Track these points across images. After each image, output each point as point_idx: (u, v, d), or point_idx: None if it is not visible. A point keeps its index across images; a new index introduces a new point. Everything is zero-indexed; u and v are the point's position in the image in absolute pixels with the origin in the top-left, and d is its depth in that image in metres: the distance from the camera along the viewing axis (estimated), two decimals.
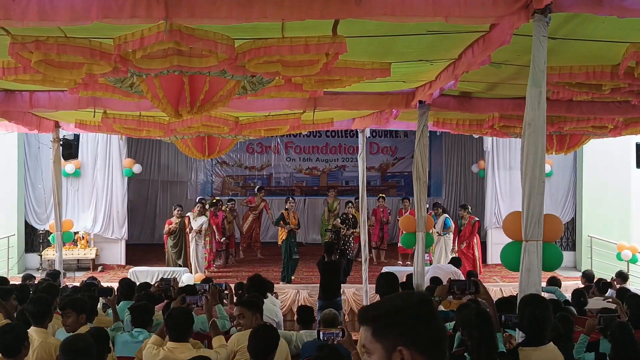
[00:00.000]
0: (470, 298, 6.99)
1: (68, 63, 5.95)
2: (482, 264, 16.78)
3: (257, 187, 19.44)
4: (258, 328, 5.36)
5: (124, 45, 5.33)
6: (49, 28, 5.24)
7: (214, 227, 16.47)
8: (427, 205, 15.30)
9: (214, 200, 17.43)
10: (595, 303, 9.29)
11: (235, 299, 8.96)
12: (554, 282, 10.89)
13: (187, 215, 15.75)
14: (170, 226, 15.59)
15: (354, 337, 5.68)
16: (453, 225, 15.95)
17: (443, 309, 8.55)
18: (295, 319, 8.14)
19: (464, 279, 9.52)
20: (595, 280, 11.16)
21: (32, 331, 5.84)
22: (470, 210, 16.27)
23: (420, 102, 8.95)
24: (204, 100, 6.70)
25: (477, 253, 15.87)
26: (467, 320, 4.87)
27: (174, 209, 15.86)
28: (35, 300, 6.42)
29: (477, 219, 16.13)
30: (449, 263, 12.92)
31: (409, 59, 6.94)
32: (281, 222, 15.41)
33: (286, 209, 15.70)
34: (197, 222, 15.51)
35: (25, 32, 5.37)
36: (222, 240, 16.82)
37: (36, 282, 10.39)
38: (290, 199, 16.33)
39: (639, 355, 6.17)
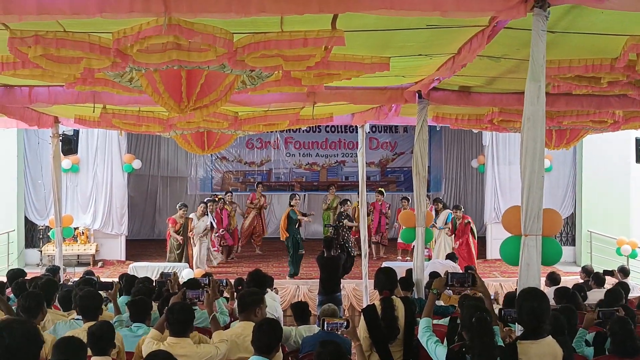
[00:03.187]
0: (467, 292, 7.01)
1: (67, 58, 5.93)
2: (482, 259, 16.79)
3: (257, 182, 19.48)
4: (262, 322, 5.34)
5: (122, 40, 5.32)
6: (48, 22, 5.24)
7: (215, 222, 16.51)
8: (427, 201, 15.42)
9: (216, 199, 17.44)
10: (594, 296, 9.34)
11: (235, 294, 8.96)
12: (553, 277, 10.90)
13: (190, 216, 15.74)
14: (175, 227, 15.58)
15: None
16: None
17: (442, 303, 8.56)
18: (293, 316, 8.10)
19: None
20: (592, 274, 11.16)
21: None
22: (462, 209, 16.31)
23: (419, 96, 8.95)
24: (201, 94, 6.69)
25: (474, 250, 15.82)
26: (469, 325, 4.86)
27: (179, 209, 15.81)
28: (26, 296, 6.48)
29: (468, 220, 16.06)
30: (446, 258, 12.93)
31: (408, 53, 6.93)
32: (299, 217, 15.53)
33: (291, 206, 15.68)
34: (202, 222, 15.54)
35: (24, 26, 5.36)
36: (220, 232, 16.84)
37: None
38: (297, 195, 16.34)
39: (639, 350, 6.17)
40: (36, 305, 6.34)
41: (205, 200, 16.90)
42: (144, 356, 5.42)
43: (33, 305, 6.33)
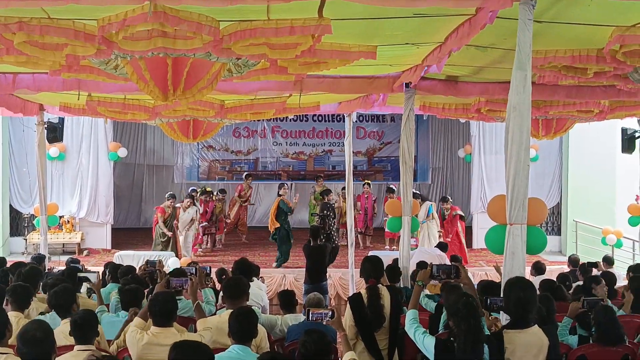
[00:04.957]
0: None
1: (51, 44, 5.88)
2: (468, 249, 16.80)
3: (245, 174, 19.36)
4: (238, 312, 5.31)
5: (107, 27, 5.27)
6: (32, 9, 5.18)
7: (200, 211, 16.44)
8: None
9: (207, 190, 17.35)
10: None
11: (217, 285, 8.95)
12: (539, 266, 10.94)
13: (177, 206, 15.67)
14: (164, 216, 15.47)
15: None
16: (435, 215, 15.93)
17: (429, 292, 8.57)
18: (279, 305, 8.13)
19: (448, 263, 9.53)
20: (579, 265, 11.22)
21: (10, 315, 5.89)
22: (451, 200, 16.34)
23: (406, 85, 8.93)
24: (187, 83, 6.65)
25: (463, 240, 15.89)
26: (455, 310, 4.84)
27: (167, 199, 15.68)
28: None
29: (457, 211, 16.06)
30: (435, 247, 12.93)
31: (396, 42, 6.91)
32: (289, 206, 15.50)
33: (279, 195, 15.61)
34: (188, 214, 15.47)
35: (8, 12, 5.30)
36: (204, 224, 16.78)
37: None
38: (285, 185, 16.28)
39: (623, 339, 6.21)
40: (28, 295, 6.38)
41: (190, 193, 16.84)
42: (142, 344, 5.44)
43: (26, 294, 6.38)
